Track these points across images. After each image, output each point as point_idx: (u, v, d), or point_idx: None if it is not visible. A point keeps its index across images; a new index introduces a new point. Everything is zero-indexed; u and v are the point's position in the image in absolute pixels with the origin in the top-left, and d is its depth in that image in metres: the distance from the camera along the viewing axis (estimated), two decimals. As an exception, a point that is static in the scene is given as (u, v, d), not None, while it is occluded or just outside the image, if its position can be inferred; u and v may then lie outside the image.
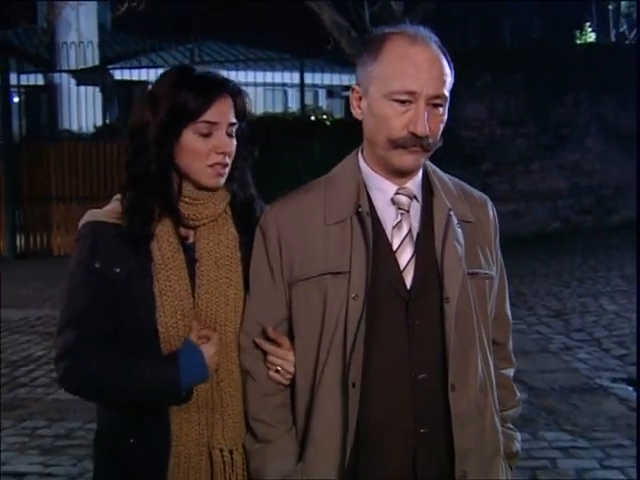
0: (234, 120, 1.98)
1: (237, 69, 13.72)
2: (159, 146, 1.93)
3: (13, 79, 13.32)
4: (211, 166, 1.95)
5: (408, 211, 1.85)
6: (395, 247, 1.83)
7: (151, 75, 12.84)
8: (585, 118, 12.81)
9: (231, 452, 1.97)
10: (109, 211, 1.99)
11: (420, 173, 1.90)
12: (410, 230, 1.84)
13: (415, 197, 1.87)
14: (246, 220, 2.05)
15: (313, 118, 13.35)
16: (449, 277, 1.81)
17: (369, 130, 1.86)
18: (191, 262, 1.99)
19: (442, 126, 1.84)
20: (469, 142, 12.41)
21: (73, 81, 15.84)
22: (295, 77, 13.80)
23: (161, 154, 1.94)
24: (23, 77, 14.08)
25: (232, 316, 1.99)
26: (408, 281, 1.82)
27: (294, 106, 15.10)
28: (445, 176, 1.96)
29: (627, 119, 12.20)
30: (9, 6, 17.91)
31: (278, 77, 14.47)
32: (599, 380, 5.75)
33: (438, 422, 1.81)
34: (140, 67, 13.54)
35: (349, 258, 1.80)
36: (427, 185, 1.90)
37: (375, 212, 1.85)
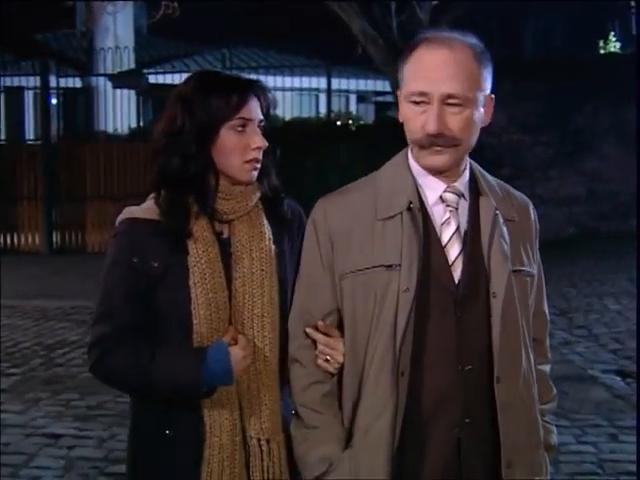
0: (262, 117, 2.05)
1: (268, 74, 14.21)
2: (198, 147, 1.99)
3: (52, 82, 13.77)
4: (247, 162, 2.02)
5: (457, 208, 1.90)
6: (444, 243, 1.88)
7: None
8: (603, 126, 13.11)
9: (268, 441, 2.02)
10: (146, 209, 2.05)
11: (467, 173, 1.95)
12: (458, 227, 1.89)
13: (463, 195, 1.92)
14: (276, 211, 2.12)
15: (339, 123, 13.79)
16: (496, 273, 1.87)
17: (406, 132, 1.93)
18: (226, 256, 2.04)
19: (471, 125, 1.87)
20: (489, 148, 12.79)
21: (110, 84, 16.35)
22: (325, 82, 14.14)
23: (200, 155, 2.00)
24: (62, 80, 14.40)
25: (269, 308, 2.03)
26: (456, 276, 1.87)
27: (324, 111, 15.50)
28: (491, 178, 2.01)
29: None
30: (49, 11, 18.52)
31: (309, 82, 14.82)
32: (591, 371, 6.15)
33: (483, 413, 1.87)
34: (174, 71, 13.95)
35: (400, 252, 1.85)
36: (474, 185, 1.95)
37: (425, 208, 1.90)
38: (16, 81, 15.67)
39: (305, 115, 15.85)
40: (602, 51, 16.93)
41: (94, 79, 17.14)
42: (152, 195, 2.06)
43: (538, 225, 2.06)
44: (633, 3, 18.06)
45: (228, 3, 19.07)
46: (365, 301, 1.88)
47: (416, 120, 1.86)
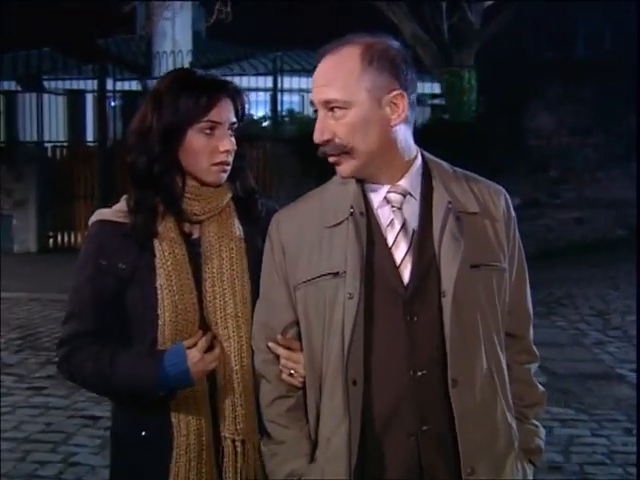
0: (234, 119, 2.02)
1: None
2: (163, 147, 1.96)
3: (110, 85, 14.25)
4: (215, 164, 2.00)
5: (400, 208, 1.86)
6: (390, 244, 1.84)
7: (244, 82, 13.63)
8: (653, 129, 13.05)
9: (243, 442, 1.99)
10: (116, 210, 2.04)
11: (415, 170, 1.89)
12: (404, 226, 1.85)
13: (410, 194, 1.87)
14: (249, 212, 2.10)
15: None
16: (446, 270, 1.80)
17: None
18: (196, 257, 2.02)
19: (360, 127, 1.80)
20: (537, 150, 12.82)
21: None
22: None
23: (165, 155, 1.97)
24: (120, 83, 14.92)
25: (241, 307, 2.01)
26: (405, 277, 1.82)
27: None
28: (451, 169, 1.95)
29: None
30: (111, 17, 19.03)
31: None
32: (619, 370, 6.23)
33: (442, 419, 1.80)
34: (230, 74, 14.28)
35: (345, 258, 1.82)
36: (428, 180, 1.90)
37: (371, 212, 1.87)
38: (76, 84, 16.16)
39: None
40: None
41: (151, 82, 17.59)
42: (125, 196, 2.06)
43: (513, 214, 1.96)
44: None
45: (282, 5, 19.39)
46: (317, 310, 1.85)
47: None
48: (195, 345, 1.95)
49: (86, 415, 5.27)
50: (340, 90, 1.79)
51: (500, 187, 1.98)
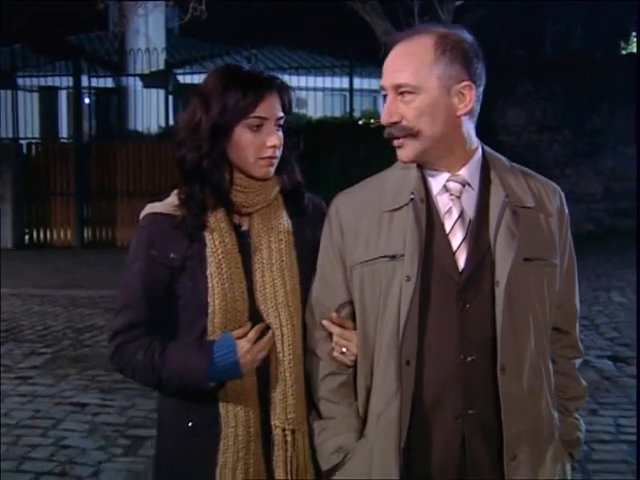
0: (281, 114, 2.06)
1: (297, 74, 14.57)
2: (212, 143, 2.00)
3: (85, 82, 14.28)
4: (262, 158, 2.03)
5: (459, 197, 1.90)
6: (447, 231, 1.89)
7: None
8: (620, 125, 13.38)
9: (293, 432, 2.01)
10: (168, 203, 2.07)
11: (476, 160, 1.94)
12: (462, 215, 1.89)
13: (469, 184, 1.92)
14: (296, 207, 2.14)
15: (361, 122, 14.16)
16: (500, 261, 1.84)
17: None
18: (245, 247, 2.05)
19: (427, 112, 1.87)
20: (508, 146, 13.09)
21: (140, 84, 16.85)
22: (356, 82, 14.34)
23: (213, 151, 2.01)
24: (94, 80, 14.86)
25: (291, 297, 2.03)
26: (460, 264, 1.87)
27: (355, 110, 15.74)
28: (509, 164, 1.99)
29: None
30: (83, 14, 19.02)
31: (340, 82, 15.12)
32: (586, 357, 6.45)
33: (488, 404, 1.85)
34: (204, 72, 14.31)
35: (404, 242, 1.86)
36: (486, 173, 1.94)
37: (430, 199, 1.91)
38: (50, 81, 16.18)
39: (336, 114, 16.14)
40: (624, 51, 17.12)
41: (125, 79, 17.62)
42: (175, 191, 2.09)
43: (566, 212, 2.01)
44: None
45: (257, 4, 19.48)
46: (372, 292, 1.91)
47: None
48: (245, 336, 1.99)
49: (73, 402, 5.41)
50: (412, 75, 1.85)
51: (556, 185, 2.03)
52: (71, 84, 14.47)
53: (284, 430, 2.00)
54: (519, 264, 1.85)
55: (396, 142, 1.90)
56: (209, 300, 1.98)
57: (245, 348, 1.96)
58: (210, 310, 1.98)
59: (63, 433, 4.86)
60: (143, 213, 2.09)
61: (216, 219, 2.03)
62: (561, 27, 17.39)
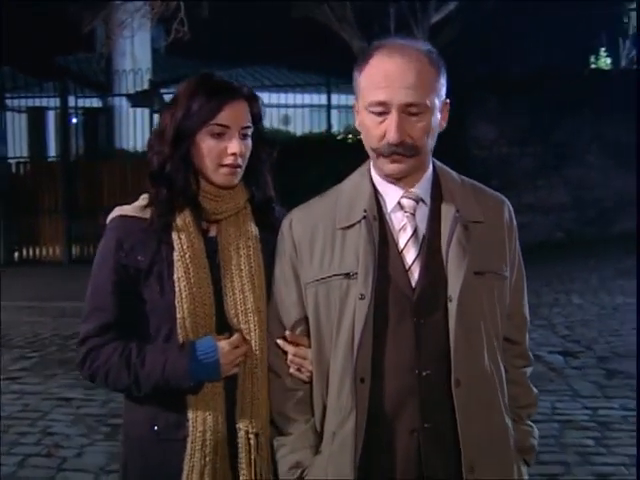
0: (248, 123, 2.05)
1: (280, 92, 15.02)
2: (174, 147, 2.02)
3: (72, 102, 14.68)
4: (223, 166, 2.03)
5: (413, 214, 1.92)
6: (400, 248, 1.90)
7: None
8: (586, 137, 13.88)
9: (257, 435, 2.02)
10: (136, 207, 2.09)
11: (428, 177, 1.95)
12: (415, 232, 1.90)
13: (422, 200, 1.93)
14: (265, 219, 2.13)
15: (339, 138, 14.66)
16: (452, 276, 1.86)
17: (364, 141, 1.93)
18: (213, 253, 2.06)
19: (430, 131, 1.87)
20: (479, 161, 13.59)
21: (127, 104, 17.24)
22: (340, 99, 14.62)
23: (175, 155, 2.02)
24: (82, 100, 15.23)
25: (260, 304, 2.03)
26: (414, 281, 1.88)
27: (336, 127, 16.15)
28: (459, 178, 1.99)
29: (625, 137, 13.24)
30: (70, 35, 19.44)
31: (320, 99, 15.56)
32: (538, 352, 6.93)
33: (444, 418, 1.86)
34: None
35: (357, 260, 1.87)
36: (437, 189, 1.95)
37: (384, 216, 1.92)
38: (38, 102, 16.59)
39: (317, 131, 16.61)
40: (593, 66, 17.62)
41: (111, 99, 18.05)
42: (144, 195, 2.11)
43: (514, 224, 2.02)
44: (625, 19, 18.86)
45: (241, 24, 19.96)
46: (327, 309, 1.91)
47: (376, 129, 1.87)
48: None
49: (60, 397, 5.90)
50: (421, 94, 1.85)
51: (503, 197, 2.05)
52: (59, 104, 14.86)
53: (247, 433, 2.02)
54: (470, 278, 1.88)
55: (395, 157, 1.88)
56: (177, 304, 1.99)
57: (226, 349, 1.98)
58: (179, 315, 1.99)
59: (50, 423, 5.35)
60: (111, 215, 2.11)
61: (184, 222, 2.04)
62: (530, 44, 18.03)
